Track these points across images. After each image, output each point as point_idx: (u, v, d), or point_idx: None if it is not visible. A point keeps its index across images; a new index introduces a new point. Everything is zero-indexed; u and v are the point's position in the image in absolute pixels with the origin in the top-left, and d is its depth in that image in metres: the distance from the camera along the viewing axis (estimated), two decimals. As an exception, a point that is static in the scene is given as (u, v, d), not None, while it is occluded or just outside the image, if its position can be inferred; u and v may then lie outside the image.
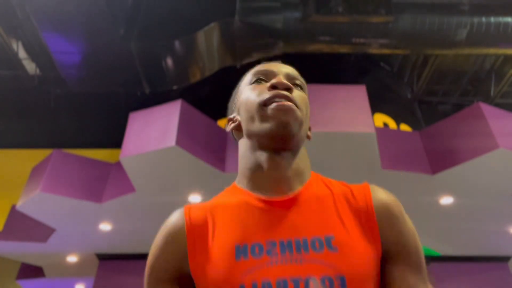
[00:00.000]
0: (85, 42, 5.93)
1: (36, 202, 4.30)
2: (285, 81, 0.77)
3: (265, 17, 5.74)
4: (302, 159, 0.79)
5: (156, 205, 4.40)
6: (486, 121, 3.74)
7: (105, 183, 4.55)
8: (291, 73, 0.84)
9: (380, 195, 0.75)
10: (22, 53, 6.63)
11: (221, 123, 6.67)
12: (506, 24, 5.51)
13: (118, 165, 4.36)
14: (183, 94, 5.85)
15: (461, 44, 5.68)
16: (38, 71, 6.90)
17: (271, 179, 0.75)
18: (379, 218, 0.72)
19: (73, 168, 4.50)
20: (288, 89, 0.77)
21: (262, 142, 0.76)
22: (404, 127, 6.68)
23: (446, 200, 4.36)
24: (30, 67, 6.85)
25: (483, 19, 5.52)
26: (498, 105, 5.96)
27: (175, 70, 6.44)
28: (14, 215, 5.12)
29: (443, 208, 4.51)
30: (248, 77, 0.86)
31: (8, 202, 5.59)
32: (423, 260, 0.75)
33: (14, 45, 6.43)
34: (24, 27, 6.10)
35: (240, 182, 0.81)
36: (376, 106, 4.76)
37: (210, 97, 7.01)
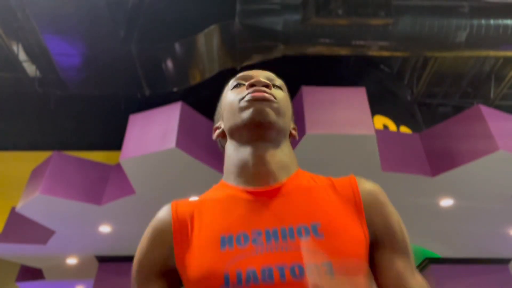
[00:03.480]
0: (85, 44, 5.94)
1: (36, 204, 4.30)
2: (262, 79, 0.81)
3: (265, 20, 5.76)
4: (287, 154, 0.81)
5: (156, 207, 4.37)
6: (486, 123, 3.74)
7: (105, 185, 4.55)
8: (269, 76, 0.89)
9: (366, 184, 0.78)
10: (22, 55, 6.64)
11: (221, 125, 6.67)
12: (506, 26, 5.52)
13: (118, 167, 4.36)
14: (183, 96, 5.85)
15: (461, 46, 5.69)
16: (38, 73, 6.90)
17: (256, 172, 0.76)
18: (366, 205, 0.74)
19: (73, 170, 4.50)
20: (266, 86, 0.81)
21: (243, 133, 0.79)
22: (404, 129, 6.68)
23: (446, 202, 4.36)
24: (30, 69, 6.86)
25: (483, 21, 5.53)
26: (498, 107, 5.97)
27: (175, 72, 6.45)
28: (14, 217, 5.12)
29: (443, 210, 4.51)
30: (229, 84, 0.91)
31: (7, 204, 5.58)
32: (409, 247, 0.75)
33: (15, 47, 6.44)
34: (25, 29, 6.11)
35: (227, 178, 0.82)
36: (376, 108, 4.76)
37: (210, 99, 6.99)
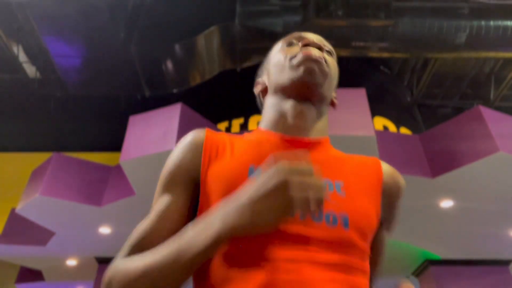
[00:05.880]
0: (85, 45, 5.95)
1: (36, 206, 4.30)
2: (316, 41, 0.83)
3: (265, 21, 5.76)
4: (324, 120, 0.84)
5: (156, 208, 4.38)
6: (486, 124, 3.74)
7: (104, 186, 4.55)
8: (321, 40, 0.90)
9: (389, 167, 0.82)
10: (22, 57, 6.65)
11: (221, 126, 6.68)
12: (506, 28, 5.53)
13: (118, 168, 4.36)
14: (183, 97, 5.85)
15: (461, 48, 5.70)
16: (38, 74, 6.91)
17: (293, 124, 0.79)
18: (385, 187, 0.77)
19: (73, 171, 4.50)
20: (319, 48, 0.82)
21: (290, 89, 0.80)
22: (404, 130, 6.68)
23: (446, 203, 4.36)
24: (31, 70, 6.86)
25: (483, 22, 5.54)
26: (497, 108, 5.98)
27: (175, 73, 6.45)
28: (14, 218, 5.12)
29: (443, 211, 4.50)
30: (280, 43, 0.91)
31: (7, 205, 5.58)
32: None
33: (15, 49, 6.45)
34: (25, 30, 6.12)
35: (263, 126, 0.84)
36: (376, 109, 4.77)
37: (210, 100, 7.01)
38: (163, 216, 0.69)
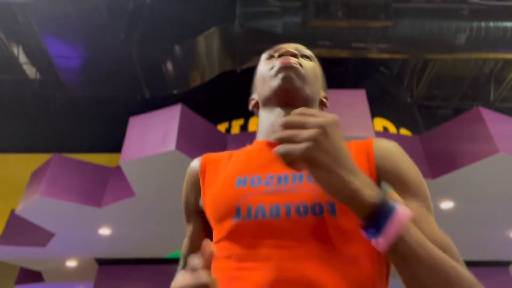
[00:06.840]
0: (85, 46, 5.95)
1: (36, 207, 4.30)
2: (290, 49, 0.89)
3: (265, 22, 5.76)
4: None
5: (156, 209, 4.39)
6: (486, 125, 3.74)
7: (104, 187, 4.55)
8: (299, 47, 0.97)
9: (383, 140, 0.80)
10: (22, 58, 6.65)
11: (221, 127, 6.68)
12: (505, 29, 5.53)
13: (117, 169, 4.36)
14: (183, 98, 5.85)
15: (461, 49, 5.69)
16: (38, 75, 6.91)
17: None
18: (378, 154, 0.76)
19: (72, 172, 4.50)
20: (294, 55, 0.88)
21: (273, 98, 0.87)
22: (404, 131, 6.68)
23: (447, 204, 4.36)
24: (31, 71, 6.86)
25: (482, 23, 5.54)
26: (497, 109, 5.97)
27: (175, 74, 6.45)
28: (14, 219, 5.12)
29: (443, 213, 4.50)
30: (263, 57, 0.98)
31: (7, 206, 5.58)
32: (427, 192, 0.75)
33: (15, 50, 6.45)
34: (25, 31, 6.12)
35: (258, 137, 0.91)
36: (375, 110, 4.77)
37: (210, 102, 7.01)
38: (193, 239, 0.85)
